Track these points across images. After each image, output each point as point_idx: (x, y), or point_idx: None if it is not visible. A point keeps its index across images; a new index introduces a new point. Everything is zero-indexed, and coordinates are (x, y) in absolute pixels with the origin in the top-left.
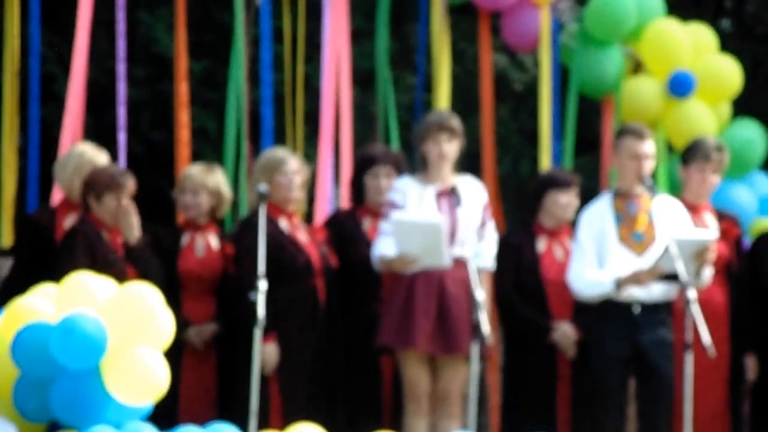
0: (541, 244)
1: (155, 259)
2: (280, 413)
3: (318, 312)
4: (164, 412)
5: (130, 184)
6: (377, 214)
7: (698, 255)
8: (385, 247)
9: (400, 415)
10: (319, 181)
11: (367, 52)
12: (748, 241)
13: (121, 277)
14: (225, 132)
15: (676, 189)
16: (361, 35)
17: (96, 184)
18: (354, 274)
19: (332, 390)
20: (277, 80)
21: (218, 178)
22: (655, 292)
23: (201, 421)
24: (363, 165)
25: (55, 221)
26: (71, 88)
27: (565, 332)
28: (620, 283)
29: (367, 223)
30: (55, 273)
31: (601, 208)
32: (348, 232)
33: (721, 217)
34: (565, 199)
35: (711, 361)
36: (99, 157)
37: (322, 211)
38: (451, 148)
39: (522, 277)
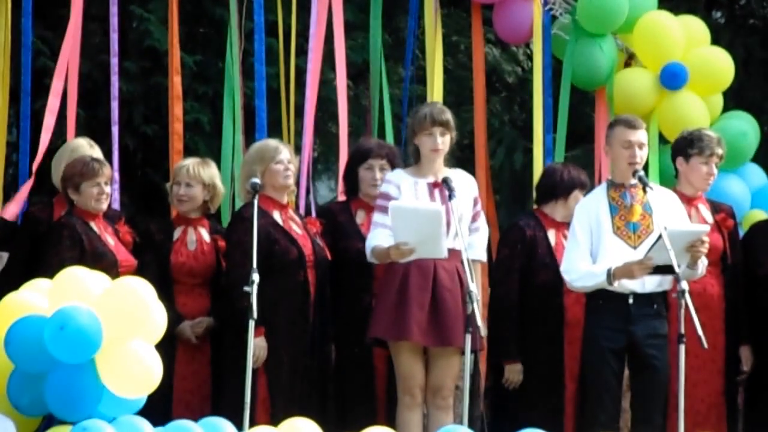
0: (552, 237)
1: None
2: (266, 407)
3: (308, 305)
4: (159, 406)
5: (106, 170)
6: (371, 207)
7: (691, 246)
8: (379, 238)
9: (394, 408)
10: (302, 174)
11: (359, 45)
12: (741, 233)
13: (111, 269)
14: (222, 126)
15: (667, 181)
16: (353, 28)
17: (72, 176)
18: (347, 267)
19: (323, 384)
20: (271, 74)
21: (213, 172)
22: (649, 282)
23: (195, 414)
24: (357, 157)
25: (52, 215)
26: (57, 81)
27: (514, 371)
28: (613, 275)
29: (360, 216)
30: (42, 267)
31: (597, 199)
32: (341, 224)
33: (716, 208)
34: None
35: (706, 352)
36: (93, 152)
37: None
38: (443, 141)
39: (537, 271)
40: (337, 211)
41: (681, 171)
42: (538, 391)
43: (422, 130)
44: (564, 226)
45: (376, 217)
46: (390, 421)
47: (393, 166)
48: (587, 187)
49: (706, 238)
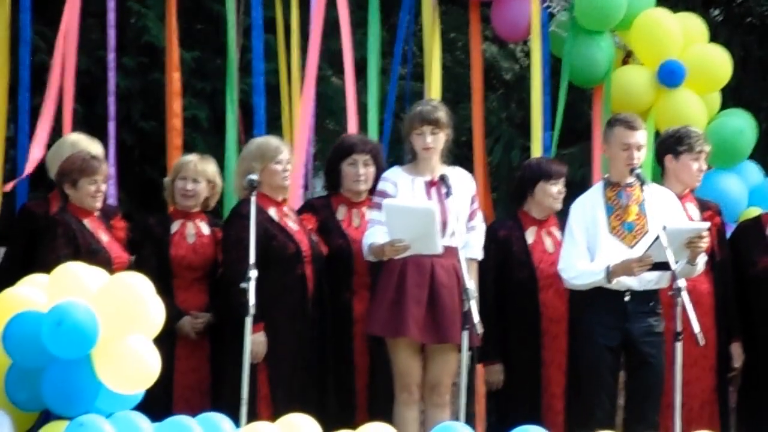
0: (530, 235)
1: None
2: (268, 402)
3: (307, 300)
4: (160, 402)
5: (104, 167)
6: (352, 203)
7: (690, 243)
8: (376, 236)
9: (376, 404)
10: (295, 169)
11: (357, 42)
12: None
13: (106, 265)
14: (226, 122)
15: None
16: (350, 25)
17: (70, 172)
18: (327, 263)
19: (322, 378)
20: (269, 70)
21: (214, 168)
22: (647, 279)
23: (196, 410)
24: (341, 153)
25: (49, 210)
26: (54, 77)
27: (493, 372)
28: (611, 273)
29: (342, 212)
30: (38, 264)
31: (593, 197)
32: (322, 220)
33: (703, 206)
34: (556, 189)
35: (698, 349)
36: (92, 146)
37: (295, 198)
38: (434, 140)
39: (513, 269)
40: (318, 207)
41: (669, 169)
42: (522, 389)
43: (413, 129)
44: (545, 223)
45: (373, 214)
46: (372, 417)
47: (377, 162)
48: (556, 176)
49: (705, 234)
